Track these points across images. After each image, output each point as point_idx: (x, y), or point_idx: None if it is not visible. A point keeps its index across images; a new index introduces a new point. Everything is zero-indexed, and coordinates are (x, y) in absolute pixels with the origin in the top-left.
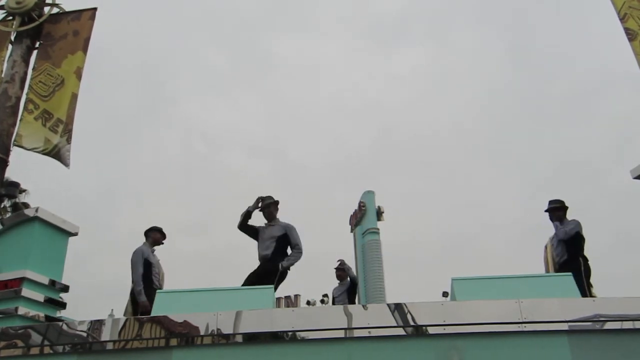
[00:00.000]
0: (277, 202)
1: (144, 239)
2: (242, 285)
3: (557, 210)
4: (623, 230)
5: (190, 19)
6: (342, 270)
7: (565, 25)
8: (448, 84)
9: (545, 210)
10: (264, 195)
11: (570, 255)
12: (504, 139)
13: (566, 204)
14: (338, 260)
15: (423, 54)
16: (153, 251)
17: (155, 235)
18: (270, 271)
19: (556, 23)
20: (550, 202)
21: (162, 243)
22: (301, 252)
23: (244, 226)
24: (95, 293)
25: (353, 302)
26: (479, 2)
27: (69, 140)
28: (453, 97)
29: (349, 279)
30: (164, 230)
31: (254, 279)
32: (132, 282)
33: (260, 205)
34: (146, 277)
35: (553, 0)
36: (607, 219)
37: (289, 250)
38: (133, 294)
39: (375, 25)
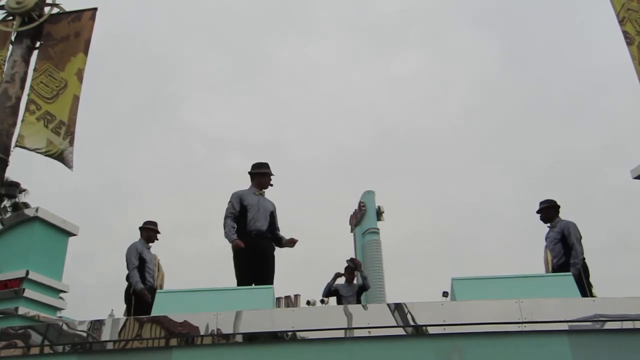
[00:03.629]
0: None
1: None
2: (243, 259)
3: (547, 209)
4: (621, 229)
5: (190, 21)
6: (351, 273)
7: (563, 27)
8: (446, 85)
9: (537, 212)
10: (262, 162)
11: (568, 256)
12: (502, 139)
13: (557, 203)
14: (349, 260)
15: (422, 55)
16: (148, 247)
17: (147, 233)
18: (273, 250)
19: (554, 24)
20: (541, 202)
21: (157, 239)
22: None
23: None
24: (95, 293)
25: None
26: (476, 4)
27: (71, 143)
28: (451, 98)
29: (358, 280)
30: (157, 226)
31: (259, 256)
32: (128, 276)
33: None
34: (139, 273)
35: (550, 2)
36: (604, 219)
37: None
38: (127, 293)
39: (374, 28)
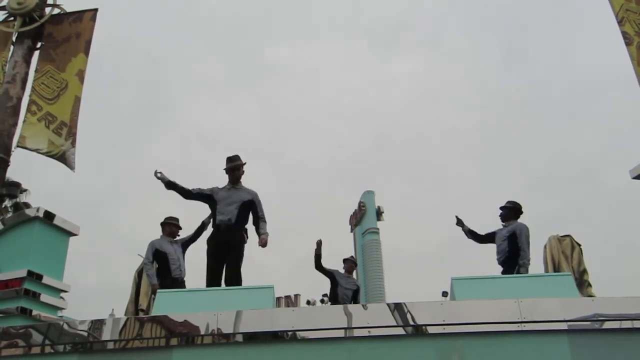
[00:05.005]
0: (244, 164)
1: (146, 238)
2: (209, 254)
3: (509, 209)
4: (620, 229)
5: (190, 22)
6: (352, 263)
7: (562, 27)
8: (445, 87)
9: (500, 207)
10: (231, 155)
11: (512, 252)
12: (501, 139)
13: (521, 208)
14: (350, 257)
15: (421, 55)
16: (171, 242)
17: (169, 228)
18: (238, 242)
19: (553, 25)
20: (507, 202)
21: (178, 235)
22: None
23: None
24: (96, 293)
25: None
26: (475, 7)
27: (73, 144)
28: (450, 100)
29: (355, 277)
30: (179, 221)
31: (223, 250)
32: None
33: (227, 165)
34: (162, 267)
35: (549, 3)
36: (603, 218)
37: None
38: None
39: (374, 28)
